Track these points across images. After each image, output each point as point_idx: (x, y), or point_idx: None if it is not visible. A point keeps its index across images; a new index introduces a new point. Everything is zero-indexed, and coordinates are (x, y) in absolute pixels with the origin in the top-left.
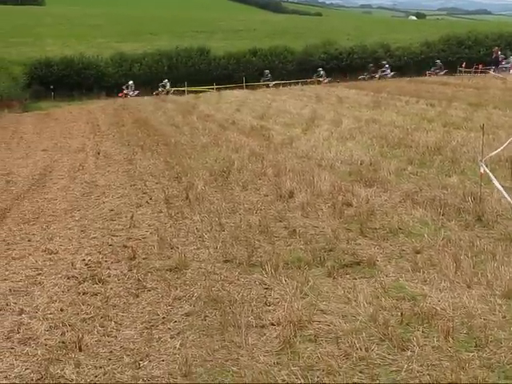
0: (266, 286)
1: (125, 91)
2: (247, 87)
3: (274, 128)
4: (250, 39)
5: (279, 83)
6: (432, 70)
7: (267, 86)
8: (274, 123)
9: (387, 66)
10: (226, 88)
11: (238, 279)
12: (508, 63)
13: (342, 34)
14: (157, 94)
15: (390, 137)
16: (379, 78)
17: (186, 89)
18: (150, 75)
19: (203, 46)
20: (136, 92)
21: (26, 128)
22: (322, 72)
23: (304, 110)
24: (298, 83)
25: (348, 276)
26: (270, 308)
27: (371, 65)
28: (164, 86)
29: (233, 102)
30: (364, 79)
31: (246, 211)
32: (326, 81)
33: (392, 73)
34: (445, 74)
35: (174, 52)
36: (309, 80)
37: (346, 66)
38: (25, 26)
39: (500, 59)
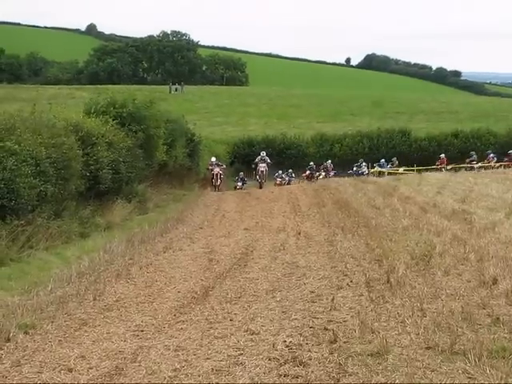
0: (470, 376)
1: (238, 184)
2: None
3: (477, 212)
4: (452, 121)
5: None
6: None
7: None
8: (476, 207)
9: None
10: (426, 170)
11: (441, 367)
12: None
13: None
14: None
15: None
16: None
17: (386, 170)
18: (350, 156)
19: (405, 128)
20: (243, 183)
21: (228, 206)
22: (474, 156)
23: (507, 193)
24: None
25: None
26: None
27: None
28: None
29: (434, 185)
30: None
31: (448, 297)
32: (477, 165)
33: None
34: None
35: (375, 133)
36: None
37: None
38: (229, 105)
39: None
